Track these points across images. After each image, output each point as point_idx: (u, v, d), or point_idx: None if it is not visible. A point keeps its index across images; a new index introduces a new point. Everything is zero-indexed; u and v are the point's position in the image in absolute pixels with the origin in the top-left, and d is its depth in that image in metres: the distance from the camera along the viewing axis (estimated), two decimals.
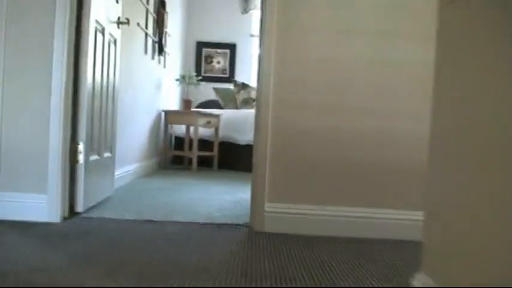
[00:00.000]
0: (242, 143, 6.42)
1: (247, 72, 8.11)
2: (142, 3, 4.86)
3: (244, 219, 2.91)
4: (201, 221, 2.83)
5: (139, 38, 4.85)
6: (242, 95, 6.87)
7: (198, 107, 7.35)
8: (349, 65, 2.69)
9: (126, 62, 4.31)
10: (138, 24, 4.70)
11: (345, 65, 2.69)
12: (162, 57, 5.88)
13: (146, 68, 5.21)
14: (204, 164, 6.69)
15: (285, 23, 2.68)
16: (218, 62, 8.17)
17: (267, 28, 2.66)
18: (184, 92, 7.09)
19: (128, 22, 3.49)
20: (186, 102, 6.35)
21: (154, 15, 5.42)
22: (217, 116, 6.38)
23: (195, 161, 6.04)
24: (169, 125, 6.27)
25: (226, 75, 8.15)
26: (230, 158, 6.57)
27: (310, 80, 2.68)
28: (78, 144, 2.74)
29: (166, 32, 6.03)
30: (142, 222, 2.72)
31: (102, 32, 3.06)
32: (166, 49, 6.13)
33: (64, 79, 2.62)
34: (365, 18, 2.70)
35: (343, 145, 2.68)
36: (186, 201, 3.53)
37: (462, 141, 1.35)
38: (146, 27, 5.06)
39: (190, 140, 6.67)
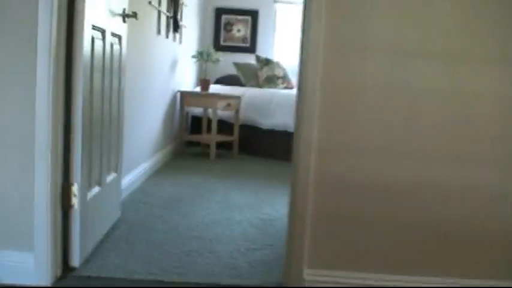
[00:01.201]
0: (264, 127, 5.85)
1: (270, 42, 7.44)
2: None
3: (277, 272, 2.38)
4: (223, 280, 2.30)
5: (151, 17, 4.24)
6: (265, 72, 6.25)
7: (216, 82, 6.75)
8: (415, 96, 2.10)
9: (137, 45, 3.73)
10: (149, 2, 4.08)
11: (410, 95, 2.09)
12: (177, 34, 5.26)
13: (160, 49, 4.62)
14: (223, 146, 6.15)
15: (335, 40, 2.07)
16: (238, 30, 7.50)
17: (312, 46, 2.06)
18: (201, 69, 6.44)
19: (135, 16, 2.88)
20: (204, 82, 5.75)
21: None
22: (238, 98, 5.79)
23: (213, 148, 5.51)
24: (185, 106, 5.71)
25: (247, 45, 7.49)
26: (251, 142, 6.02)
27: (365, 115, 2.09)
28: (72, 185, 2.21)
29: (182, 3, 5.39)
30: (150, 283, 2.20)
31: (102, 35, 2.47)
32: (183, 22, 5.49)
33: (51, 104, 2.06)
34: (437, 36, 2.08)
35: (407, 198, 2.11)
36: (203, 229, 3.01)
37: None
38: (159, 4, 4.43)
39: (208, 121, 6.12)
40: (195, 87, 6.66)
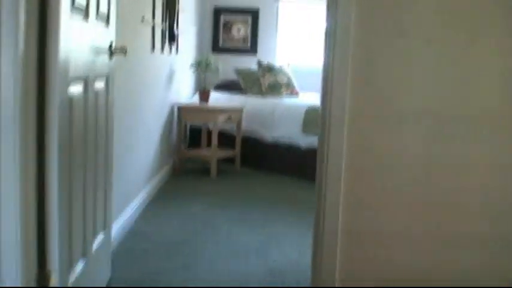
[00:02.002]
0: (268, 139, 5.48)
1: (272, 42, 7.04)
2: None
3: None
4: None
5: (145, 34, 3.85)
6: (268, 79, 5.85)
7: (216, 88, 6.34)
8: (454, 169, 1.73)
9: (129, 65, 3.34)
10: (142, 19, 3.69)
11: (449, 168, 1.73)
12: (174, 44, 4.85)
13: (154, 65, 4.23)
14: (225, 160, 5.78)
15: (362, 105, 1.70)
16: (238, 30, 7.10)
17: (336, 113, 1.69)
18: (200, 77, 5.94)
19: (124, 51, 2.50)
20: (204, 94, 5.37)
21: None
22: (239, 110, 5.41)
23: (214, 166, 5.14)
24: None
25: (248, 46, 7.09)
26: (254, 155, 5.66)
27: (397, 192, 1.73)
28: (49, 274, 1.85)
29: (179, 10, 4.99)
30: None
31: (85, 86, 2.08)
32: (179, 30, 5.09)
33: (20, 179, 1.70)
34: (478, 100, 1.71)
35: None
36: None
37: None
38: (153, 17, 4.04)
39: (208, 132, 5.73)
40: (193, 95, 6.26)
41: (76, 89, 1.97)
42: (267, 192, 4.70)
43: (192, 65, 5.50)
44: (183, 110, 5.25)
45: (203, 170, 5.41)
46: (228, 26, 7.08)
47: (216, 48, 7.04)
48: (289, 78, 5.98)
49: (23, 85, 1.65)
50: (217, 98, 5.85)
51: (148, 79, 4.05)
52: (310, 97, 5.88)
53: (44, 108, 1.76)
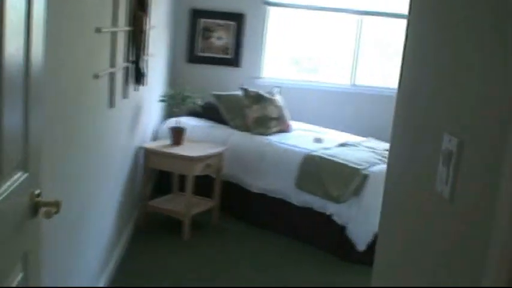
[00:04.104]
0: (254, 190, 4.53)
1: (258, 53, 6.00)
2: (104, 31, 2.78)
3: None
4: None
5: (101, 89, 2.83)
6: (255, 112, 4.85)
7: (190, 114, 5.18)
8: None
9: (80, 128, 2.36)
10: (96, 76, 2.65)
11: None
12: (141, 81, 3.80)
13: (115, 117, 3.22)
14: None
15: None
16: (219, 38, 6.03)
17: None
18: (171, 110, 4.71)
19: (56, 209, 1.51)
20: (176, 134, 4.34)
21: (128, 28, 3.31)
22: (219, 155, 4.42)
23: (187, 226, 4.18)
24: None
25: (229, 56, 6.04)
26: (236, 204, 4.72)
27: None
28: None
29: (149, 29, 3.92)
30: None
31: None
32: (150, 51, 4.03)
33: None
34: None
35: None
36: None
37: None
38: (113, 63, 2.99)
39: (180, 176, 4.64)
40: (163, 122, 5.15)
41: None
42: (252, 263, 3.80)
43: (162, 99, 4.42)
44: (149, 154, 4.24)
45: (174, 224, 4.40)
46: (207, 32, 6.01)
47: (192, 58, 5.98)
48: (280, 111, 4.99)
49: None
50: (192, 128, 4.75)
51: (106, 135, 3.05)
52: (304, 134, 4.93)
53: None
